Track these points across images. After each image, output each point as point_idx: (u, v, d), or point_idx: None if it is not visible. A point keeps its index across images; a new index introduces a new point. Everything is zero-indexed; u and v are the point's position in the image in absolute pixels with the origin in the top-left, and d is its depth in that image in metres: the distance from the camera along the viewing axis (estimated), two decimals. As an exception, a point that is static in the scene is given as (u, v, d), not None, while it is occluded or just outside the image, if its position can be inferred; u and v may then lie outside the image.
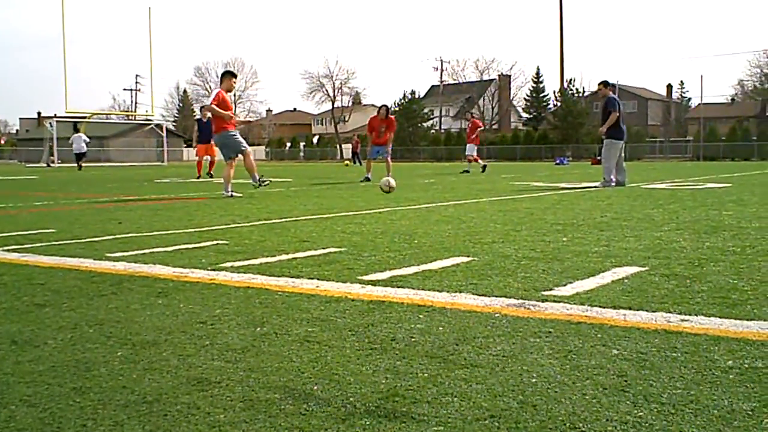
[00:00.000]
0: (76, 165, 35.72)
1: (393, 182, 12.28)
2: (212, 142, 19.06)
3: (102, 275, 4.18)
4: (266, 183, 12.91)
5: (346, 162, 48.06)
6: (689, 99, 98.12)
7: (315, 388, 2.17)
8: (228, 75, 12.77)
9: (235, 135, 12.20)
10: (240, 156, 12.46)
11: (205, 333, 2.83)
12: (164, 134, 63.49)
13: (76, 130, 38.69)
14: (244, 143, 12.41)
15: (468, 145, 24.89)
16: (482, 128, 25.40)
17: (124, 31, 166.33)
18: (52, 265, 4.57)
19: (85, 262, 4.65)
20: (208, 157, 21.46)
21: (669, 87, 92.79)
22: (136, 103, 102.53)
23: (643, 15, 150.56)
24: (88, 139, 37.50)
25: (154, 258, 4.79)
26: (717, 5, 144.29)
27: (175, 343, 2.68)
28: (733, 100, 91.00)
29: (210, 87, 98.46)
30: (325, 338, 2.72)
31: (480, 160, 24.98)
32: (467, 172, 23.70)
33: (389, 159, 18.07)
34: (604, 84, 14.98)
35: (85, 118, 57.81)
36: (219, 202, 10.45)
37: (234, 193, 11.86)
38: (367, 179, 17.22)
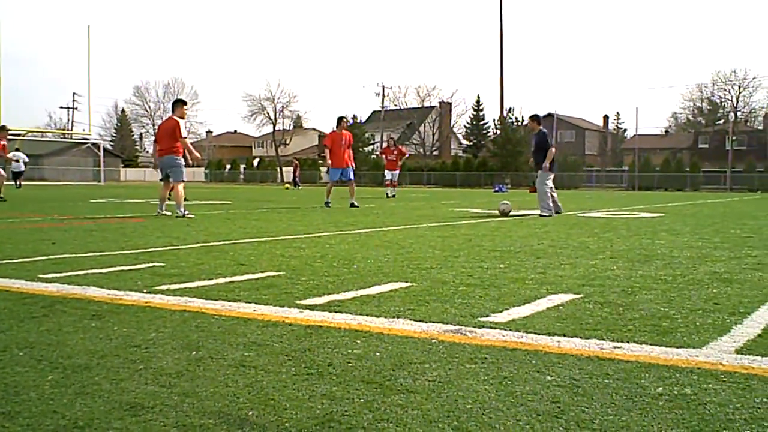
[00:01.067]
0: (13, 183, 35.22)
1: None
2: None
3: (34, 297, 4.09)
4: (191, 216, 12.18)
5: (286, 185, 47.96)
6: (625, 130, 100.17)
7: (250, 413, 2.15)
8: (181, 103, 13.29)
9: (182, 162, 12.78)
10: (172, 182, 12.82)
11: (139, 357, 2.79)
12: (101, 153, 62.55)
13: (16, 149, 38.22)
14: (185, 175, 12.99)
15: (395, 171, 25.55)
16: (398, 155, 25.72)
17: (62, 48, 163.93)
18: (-18, 286, 4.45)
19: (17, 283, 4.55)
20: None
21: (606, 118, 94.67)
22: (73, 121, 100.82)
23: (582, 47, 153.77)
24: (26, 158, 36.96)
25: (89, 280, 4.71)
26: (654, 40, 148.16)
27: (108, 367, 2.64)
28: (667, 131, 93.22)
29: (149, 107, 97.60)
30: (261, 363, 2.70)
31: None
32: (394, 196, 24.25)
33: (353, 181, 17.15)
34: (535, 118, 14.76)
35: (20, 135, 56.66)
36: (156, 223, 10.32)
37: (178, 216, 12.00)
38: (328, 204, 16.46)
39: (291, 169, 54.93)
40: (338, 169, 16.95)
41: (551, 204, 13.47)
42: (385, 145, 26.59)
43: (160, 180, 13.11)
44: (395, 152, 25.56)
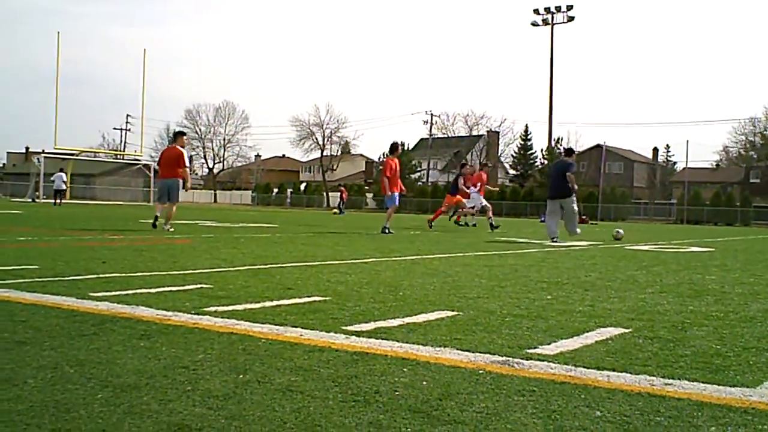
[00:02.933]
0: (53, 201, 39.28)
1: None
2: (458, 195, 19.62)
3: (84, 315, 4.15)
4: (171, 230, 14.11)
5: (334, 211, 48.26)
6: (674, 163, 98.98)
7: (297, 438, 2.15)
8: (181, 134, 16.05)
9: (181, 185, 15.05)
10: (168, 202, 14.90)
11: (187, 378, 2.80)
12: (152, 174, 63.47)
13: (60, 169, 41.50)
14: (179, 196, 15.26)
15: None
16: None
17: (117, 70, 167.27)
18: (34, 302, 4.53)
19: (68, 301, 4.62)
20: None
21: (655, 150, 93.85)
22: (125, 142, 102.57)
23: (633, 78, 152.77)
24: (65, 178, 41.16)
25: (138, 299, 4.76)
26: (706, 72, 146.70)
27: (156, 388, 2.66)
28: (717, 165, 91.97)
29: (200, 130, 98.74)
30: (308, 388, 2.70)
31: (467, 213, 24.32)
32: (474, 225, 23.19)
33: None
34: (572, 151, 16.26)
35: (73, 154, 57.79)
36: (204, 245, 10.42)
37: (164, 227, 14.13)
38: (387, 231, 16.29)
39: (338, 194, 55.26)
40: (395, 194, 16.87)
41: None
42: (469, 170, 23.78)
43: (158, 200, 15.26)
44: (483, 179, 23.52)
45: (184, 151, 15.06)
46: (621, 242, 15.68)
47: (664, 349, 3.60)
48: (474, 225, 23.57)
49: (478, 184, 22.96)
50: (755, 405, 2.64)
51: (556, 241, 14.30)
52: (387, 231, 16.30)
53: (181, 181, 14.87)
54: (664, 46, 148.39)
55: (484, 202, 22.52)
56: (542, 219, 41.86)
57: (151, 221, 14.82)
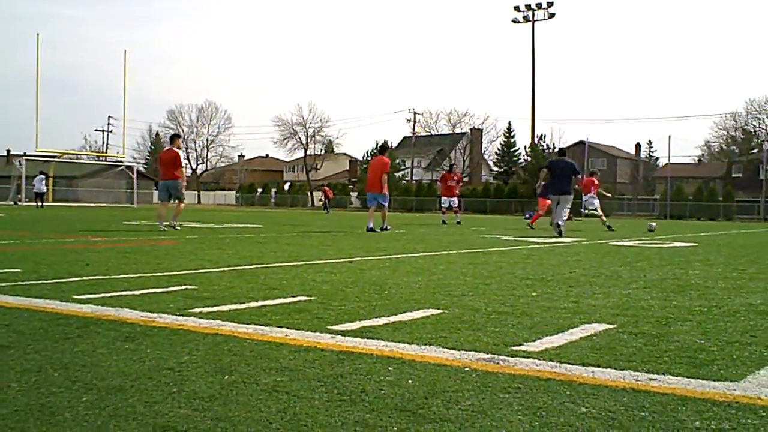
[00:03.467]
0: (34, 204, 40.44)
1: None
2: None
3: (68, 317, 4.13)
4: (178, 228, 15.31)
5: (323, 208, 48.43)
6: (657, 158, 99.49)
7: (283, 439, 2.15)
8: (177, 137, 16.68)
9: (183, 185, 16.10)
10: (174, 201, 15.98)
11: (172, 380, 2.80)
12: (135, 176, 63.18)
13: (40, 171, 42.44)
14: (184, 193, 16.20)
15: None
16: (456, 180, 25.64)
17: (98, 72, 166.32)
18: (18, 306, 4.50)
19: (52, 304, 4.60)
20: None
21: (638, 146, 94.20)
22: (107, 144, 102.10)
23: (615, 75, 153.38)
24: (45, 180, 42.06)
25: (122, 301, 4.74)
26: (686, 68, 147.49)
27: (141, 390, 2.65)
28: (699, 160, 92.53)
29: (183, 131, 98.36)
30: (293, 388, 2.70)
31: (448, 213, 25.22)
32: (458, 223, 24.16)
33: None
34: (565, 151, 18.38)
35: (55, 157, 57.43)
36: (188, 246, 10.38)
37: (167, 227, 15.08)
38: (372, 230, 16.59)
39: (319, 193, 55.29)
40: (372, 194, 17.39)
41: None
42: (445, 170, 26.13)
43: (160, 200, 16.16)
44: (455, 178, 25.37)
45: (180, 153, 16.05)
46: (606, 239, 15.74)
47: (648, 345, 3.62)
48: (459, 222, 24.43)
49: (592, 188, 24.83)
50: (739, 399, 2.66)
51: (559, 229, 15.91)
52: (375, 230, 16.59)
53: (181, 180, 15.91)
54: (646, 41, 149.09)
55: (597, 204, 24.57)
56: (527, 216, 42.06)
57: (156, 223, 15.76)
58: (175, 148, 16.03)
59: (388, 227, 17.31)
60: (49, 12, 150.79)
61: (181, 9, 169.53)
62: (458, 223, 24.40)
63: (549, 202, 20.30)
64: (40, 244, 10.43)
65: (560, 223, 16.00)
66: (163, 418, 2.32)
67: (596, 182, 25.13)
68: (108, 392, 2.61)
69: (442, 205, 25.35)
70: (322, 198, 50.44)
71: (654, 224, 21.30)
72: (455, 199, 25.03)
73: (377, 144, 73.86)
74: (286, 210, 60.10)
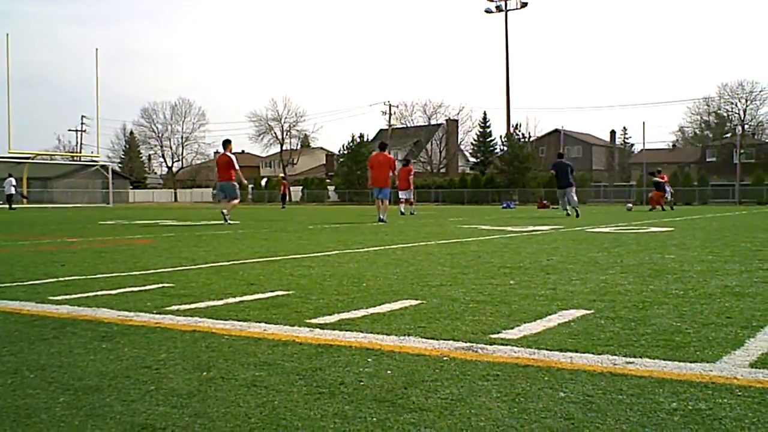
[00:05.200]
0: (7, 206, 41.16)
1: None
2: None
3: (44, 319, 4.10)
4: (230, 222, 17.31)
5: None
6: (632, 145, 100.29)
7: (262, 433, 2.14)
8: (228, 142, 18.28)
9: (236, 185, 17.96)
10: (225, 200, 18.07)
11: (149, 378, 2.78)
12: (110, 176, 62.77)
13: (9, 174, 43.62)
14: (238, 192, 18.19)
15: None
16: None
17: (70, 71, 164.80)
18: (-8, 309, 4.46)
19: (27, 306, 4.56)
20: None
21: (612, 133, 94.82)
22: (81, 144, 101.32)
23: (588, 62, 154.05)
24: (15, 183, 43.17)
25: (98, 301, 4.71)
26: (659, 54, 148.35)
27: (119, 389, 2.63)
28: (674, 146, 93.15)
29: (157, 128, 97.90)
30: (272, 383, 2.69)
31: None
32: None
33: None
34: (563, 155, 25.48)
35: (28, 158, 56.93)
36: (165, 244, 10.33)
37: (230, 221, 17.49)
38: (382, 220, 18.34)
39: (297, 188, 55.03)
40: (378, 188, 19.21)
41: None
42: (402, 165, 27.74)
43: (219, 200, 18.66)
44: (412, 172, 27.38)
45: (233, 156, 17.90)
46: (581, 225, 15.83)
47: (625, 329, 3.64)
48: (412, 213, 26.01)
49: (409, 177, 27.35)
50: (715, 379, 2.68)
51: (568, 214, 22.21)
52: (384, 220, 18.36)
53: (234, 181, 17.82)
54: (618, 28, 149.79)
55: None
56: (504, 206, 42.26)
57: (221, 219, 18.04)
58: (227, 153, 17.88)
59: (386, 219, 18.54)
60: (12, 9, 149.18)
61: (152, 6, 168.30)
62: (412, 213, 25.84)
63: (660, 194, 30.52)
64: (15, 246, 10.34)
65: (576, 207, 22.36)
66: (140, 417, 2.31)
67: (412, 171, 28.17)
68: (85, 392, 2.59)
69: (400, 198, 27.40)
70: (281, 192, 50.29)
71: (631, 204, 27.12)
72: (411, 191, 27.25)
73: (353, 137, 73.96)
74: (263, 206, 59.90)
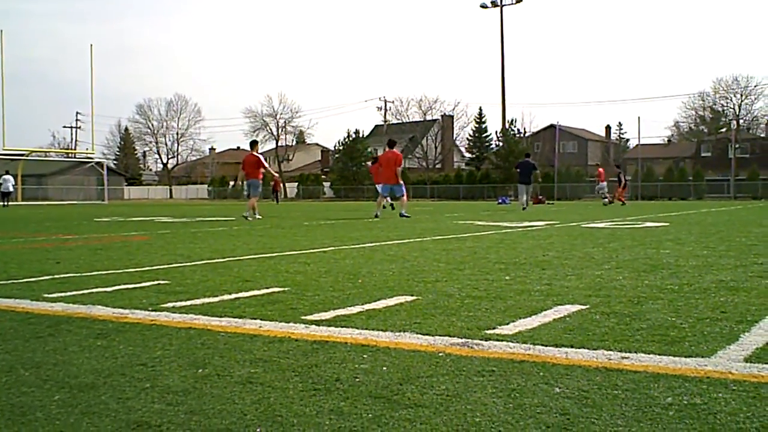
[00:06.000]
0: (2, 203, 41.59)
1: None
2: None
3: (39, 316, 4.09)
4: (248, 219, 18.04)
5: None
6: (627, 140, 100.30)
7: (258, 430, 2.14)
8: (256, 143, 20.10)
9: (259, 183, 19.10)
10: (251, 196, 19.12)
11: (145, 375, 2.78)
12: (105, 172, 62.67)
13: (6, 171, 43.75)
14: (260, 189, 19.33)
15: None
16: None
17: (65, 67, 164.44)
18: (-13, 307, 4.45)
19: (22, 303, 4.55)
20: None
21: (608, 128, 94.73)
22: (76, 140, 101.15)
23: (584, 57, 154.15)
24: (13, 180, 43.49)
25: (93, 298, 4.70)
26: (654, 49, 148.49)
27: (114, 386, 2.63)
28: (669, 141, 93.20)
29: (152, 125, 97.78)
30: (268, 379, 2.69)
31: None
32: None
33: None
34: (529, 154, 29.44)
35: (23, 155, 56.82)
36: (160, 241, 10.32)
37: (251, 217, 18.30)
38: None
39: (293, 184, 54.95)
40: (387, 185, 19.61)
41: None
42: (370, 163, 28.70)
43: (250, 195, 19.19)
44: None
45: (260, 156, 18.99)
46: (577, 221, 15.84)
47: (620, 324, 3.65)
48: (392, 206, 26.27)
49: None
50: (710, 374, 2.69)
51: (525, 209, 24.54)
52: (379, 216, 18.84)
53: (259, 180, 18.93)
54: (613, 23, 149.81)
55: None
56: (499, 201, 42.28)
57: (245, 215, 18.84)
58: (254, 153, 19.08)
59: (407, 214, 18.59)
60: (11, 7, 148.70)
61: (147, 2, 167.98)
62: (392, 206, 26.04)
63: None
64: (9, 243, 10.32)
65: (525, 205, 25.87)
66: (136, 414, 2.30)
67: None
68: (80, 390, 2.59)
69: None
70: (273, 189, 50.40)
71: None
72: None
73: (348, 133, 73.86)
74: (259, 202, 59.93)
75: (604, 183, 36.27)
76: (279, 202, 48.90)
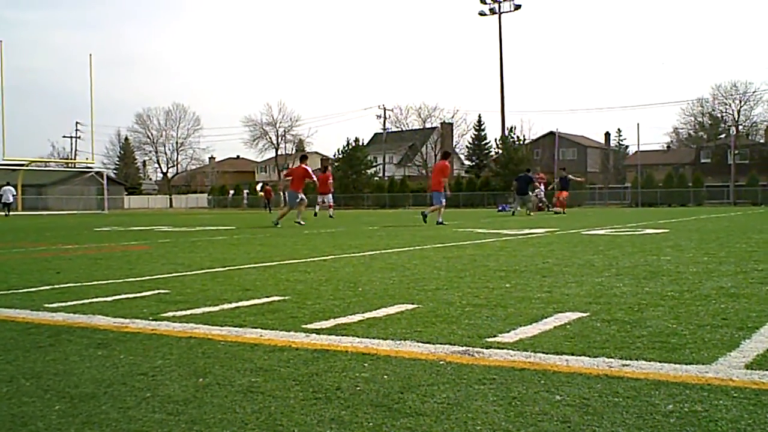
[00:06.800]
0: (4, 213, 42.02)
1: None
2: None
3: (39, 326, 4.09)
4: (278, 225, 18.96)
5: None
6: (627, 146, 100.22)
7: (259, 439, 2.14)
8: (305, 157, 20.97)
9: (297, 195, 19.74)
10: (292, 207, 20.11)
11: (145, 385, 2.78)
12: (105, 182, 62.69)
13: (7, 183, 44.05)
14: (300, 198, 19.87)
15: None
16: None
17: (64, 77, 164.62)
18: (-12, 317, 4.45)
19: (22, 313, 4.55)
20: None
21: (607, 135, 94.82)
22: (75, 150, 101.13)
23: (583, 64, 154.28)
24: (14, 191, 44.13)
25: (94, 308, 4.70)
26: (653, 55, 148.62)
27: (115, 396, 2.63)
28: (668, 147, 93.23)
29: (152, 134, 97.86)
30: (268, 388, 2.69)
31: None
32: None
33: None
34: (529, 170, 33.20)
35: (23, 165, 56.85)
36: (161, 250, 10.32)
37: (297, 222, 19.57)
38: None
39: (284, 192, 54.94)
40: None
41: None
42: (322, 171, 30.08)
43: (293, 206, 19.97)
44: (330, 178, 29.78)
45: (309, 169, 19.85)
46: (577, 228, 15.84)
47: (621, 331, 3.65)
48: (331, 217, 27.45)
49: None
50: (711, 381, 2.69)
51: (514, 215, 27.05)
52: (443, 222, 19.42)
53: (299, 191, 19.66)
54: (611, 30, 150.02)
55: None
56: (500, 209, 42.31)
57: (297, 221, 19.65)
58: (303, 165, 19.85)
59: (444, 222, 19.44)
60: (8, 17, 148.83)
61: (146, 12, 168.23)
62: (331, 217, 27.23)
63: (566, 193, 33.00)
64: (10, 253, 10.32)
65: (530, 210, 29.41)
66: (136, 424, 2.30)
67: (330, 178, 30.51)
68: (81, 400, 2.59)
69: (327, 201, 29.47)
70: (265, 198, 50.57)
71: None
72: (330, 196, 29.41)
73: (348, 141, 73.91)
74: (259, 211, 59.85)
75: (542, 189, 36.78)
76: (270, 210, 48.88)
